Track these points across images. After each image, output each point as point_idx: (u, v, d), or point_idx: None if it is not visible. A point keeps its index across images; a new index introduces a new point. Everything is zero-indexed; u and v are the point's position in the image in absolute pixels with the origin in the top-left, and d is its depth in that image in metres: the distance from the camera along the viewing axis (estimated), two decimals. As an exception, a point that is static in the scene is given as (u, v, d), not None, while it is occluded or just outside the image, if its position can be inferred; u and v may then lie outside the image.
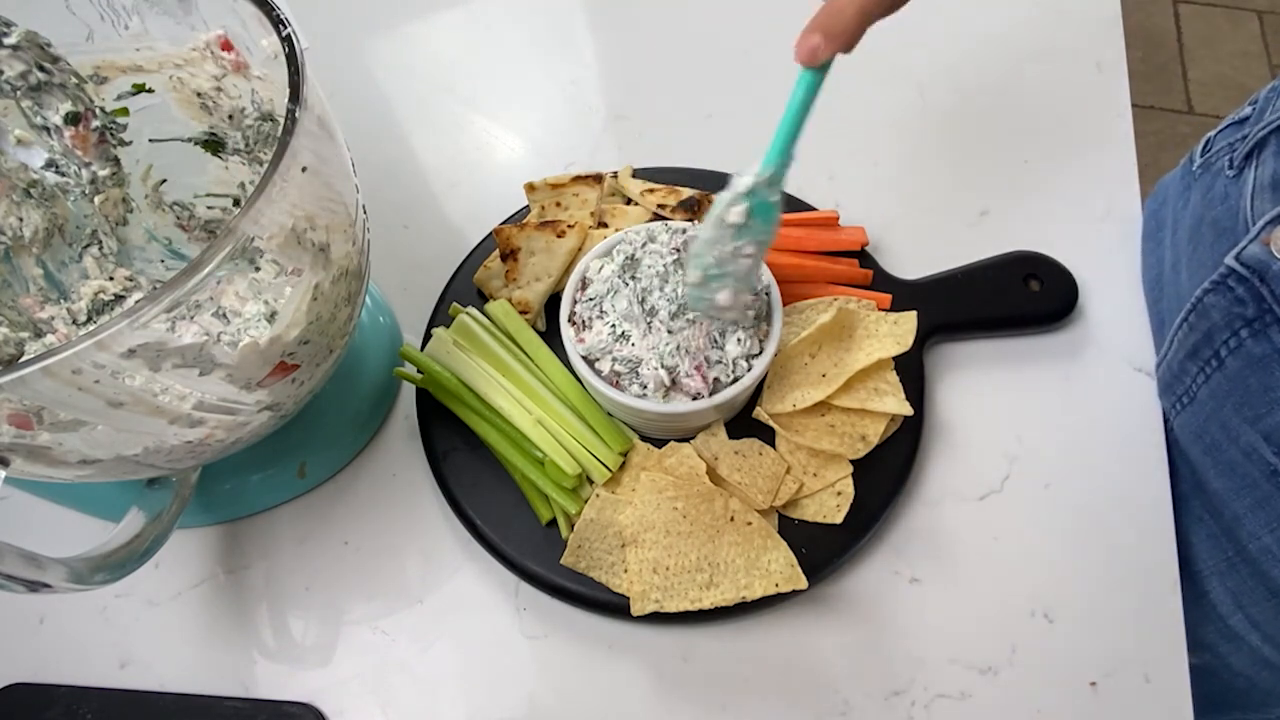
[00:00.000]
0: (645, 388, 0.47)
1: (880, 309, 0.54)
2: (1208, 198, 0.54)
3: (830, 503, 0.50)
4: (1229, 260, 0.47)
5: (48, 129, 0.47)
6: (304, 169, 0.37)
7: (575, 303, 0.49)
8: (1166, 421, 0.54)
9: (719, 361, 0.47)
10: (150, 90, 0.49)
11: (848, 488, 0.50)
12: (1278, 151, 0.49)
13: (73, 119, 0.47)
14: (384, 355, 0.57)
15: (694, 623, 0.48)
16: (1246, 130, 0.52)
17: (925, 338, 0.56)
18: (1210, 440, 0.50)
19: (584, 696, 0.48)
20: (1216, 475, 0.50)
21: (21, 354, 0.47)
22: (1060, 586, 0.50)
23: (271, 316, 0.40)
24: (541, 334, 0.56)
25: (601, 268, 0.50)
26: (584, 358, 0.48)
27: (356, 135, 0.45)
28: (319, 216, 0.39)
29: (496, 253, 0.58)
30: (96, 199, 0.51)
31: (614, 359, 0.47)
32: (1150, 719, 0.46)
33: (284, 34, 0.40)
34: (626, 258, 0.49)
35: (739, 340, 0.47)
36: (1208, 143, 0.57)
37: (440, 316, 0.58)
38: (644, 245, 0.50)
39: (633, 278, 0.49)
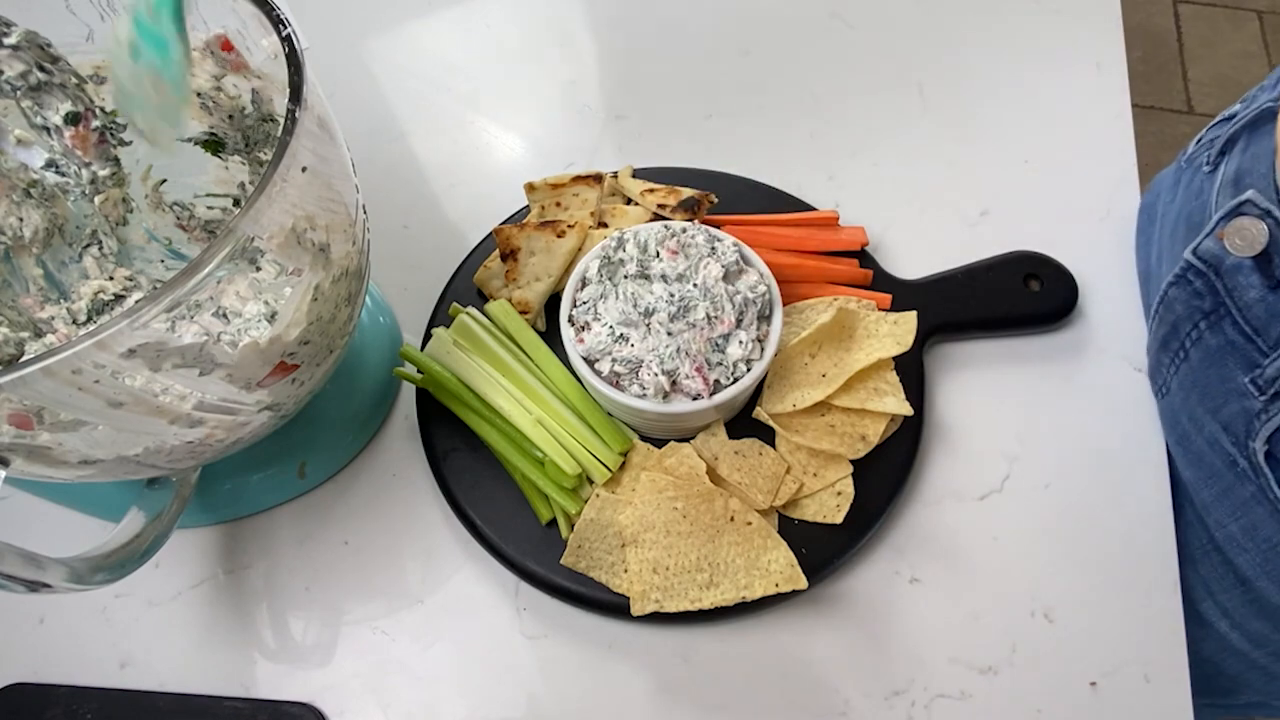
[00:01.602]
0: (645, 388, 0.47)
1: (880, 309, 0.54)
2: (1187, 193, 0.55)
3: (830, 503, 0.50)
4: (1187, 254, 0.48)
5: (48, 129, 0.47)
6: (304, 169, 0.37)
7: (575, 303, 0.49)
8: None
9: (719, 364, 0.47)
10: (150, 90, 0.49)
11: (848, 488, 0.50)
12: (1245, 148, 0.50)
13: (73, 119, 0.47)
14: (384, 355, 0.57)
15: (694, 623, 0.48)
16: (1229, 127, 0.52)
17: (925, 338, 0.56)
18: (1181, 431, 0.51)
19: (584, 696, 0.48)
20: (1186, 465, 0.51)
21: (21, 354, 0.47)
22: (1060, 586, 0.50)
23: (272, 316, 0.40)
24: (541, 334, 0.56)
25: (598, 269, 0.50)
26: (584, 358, 0.48)
27: (356, 135, 0.46)
28: (319, 216, 0.39)
29: (496, 253, 0.58)
30: (97, 199, 0.51)
31: (614, 359, 0.47)
32: (1150, 719, 0.46)
33: (284, 34, 0.39)
34: (604, 260, 0.49)
35: (740, 343, 0.47)
36: (1200, 138, 0.57)
37: (440, 316, 0.58)
38: (616, 248, 0.50)
39: (612, 280, 0.49)
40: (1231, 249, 0.45)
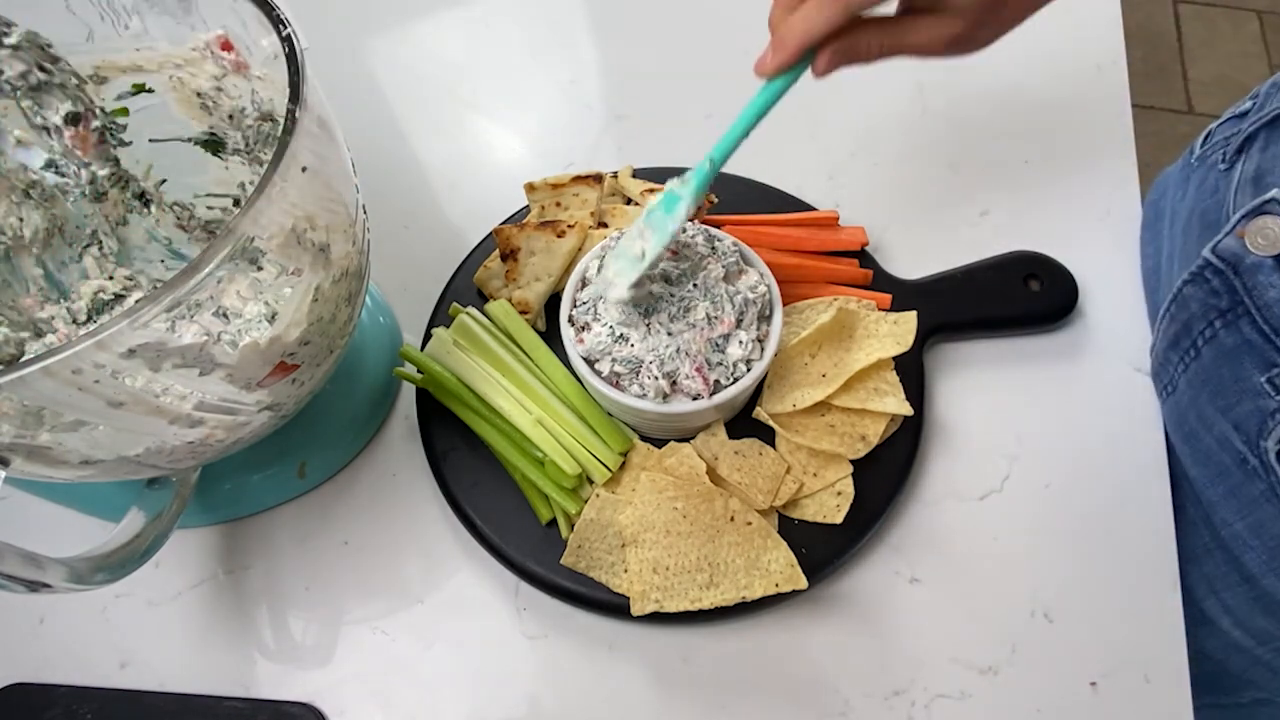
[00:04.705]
0: (645, 389, 0.47)
1: (880, 309, 0.54)
2: (1200, 190, 0.55)
3: (830, 503, 0.50)
4: (1205, 252, 0.48)
5: (48, 129, 0.47)
6: (304, 169, 0.37)
7: (575, 303, 0.49)
8: None
9: (719, 364, 0.47)
10: (150, 90, 0.49)
11: (848, 488, 0.50)
12: (1264, 146, 0.49)
13: (73, 119, 0.47)
14: (384, 355, 0.57)
15: (694, 623, 0.48)
16: (1244, 124, 0.52)
17: (925, 338, 0.56)
18: (1189, 429, 0.51)
19: (584, 696, 0.48)
20: (1194, 463, 0.51)
21: (22, 354, 0.47)
22: (1060, 586, 0.50)
23: (272, 317, 0.40)
24: (541, 334, 0.56)
25: (598, 269, 0.50)
26: (584, 358, 0.48)
27: (356, 135, 0.45)
28: (319, 217, 0.39)
29: (496, 253, 0.58)
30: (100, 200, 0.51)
31: (614, 359, 0.47)
32: (1150, 719, 0.46)
33: (284, 34, 0.39)
34: (604, 260, 0.49)
35: (740, 343, 0.47)
36: (1208, 135, 0.57)
37: (440, 316, 0.58)
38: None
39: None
40: (1253, 248, 0.45)
